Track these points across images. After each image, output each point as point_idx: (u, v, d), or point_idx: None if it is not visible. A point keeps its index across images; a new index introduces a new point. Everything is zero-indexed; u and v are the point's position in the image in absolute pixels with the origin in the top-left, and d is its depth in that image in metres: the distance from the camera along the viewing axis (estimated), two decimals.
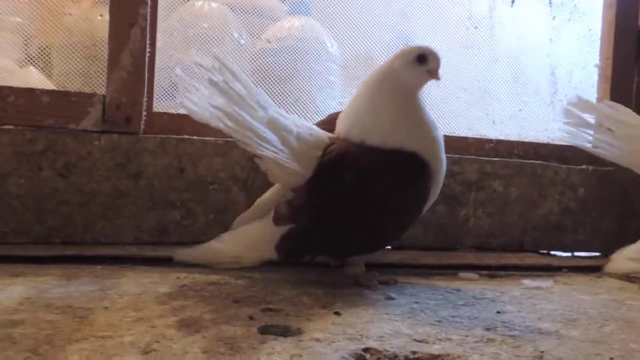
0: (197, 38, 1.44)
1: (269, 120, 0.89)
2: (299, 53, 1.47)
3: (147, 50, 1.16)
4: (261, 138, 0.87)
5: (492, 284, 1.07)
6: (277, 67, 1.44)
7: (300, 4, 1.57)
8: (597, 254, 1.40)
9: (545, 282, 1.08)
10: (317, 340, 0.66)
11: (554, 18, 1.48)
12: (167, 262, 1.03)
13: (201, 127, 1.21)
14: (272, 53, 1.46)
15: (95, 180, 1.11)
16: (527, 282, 1.08)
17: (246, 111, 0.87)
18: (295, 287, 0.92)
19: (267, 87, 1.39)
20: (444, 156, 0.98)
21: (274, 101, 1.38)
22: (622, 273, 1.20)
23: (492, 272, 1.17)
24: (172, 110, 1.27)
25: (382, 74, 0.97)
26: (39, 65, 1.33)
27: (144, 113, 1.16)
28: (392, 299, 0.90)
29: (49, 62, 1.33)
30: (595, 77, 1.48)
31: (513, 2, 1.45)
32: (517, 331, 0.74)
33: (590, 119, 1.21)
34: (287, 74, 1.44)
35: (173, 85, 1.36)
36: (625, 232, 1.40)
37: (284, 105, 1.39)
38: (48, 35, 1.34)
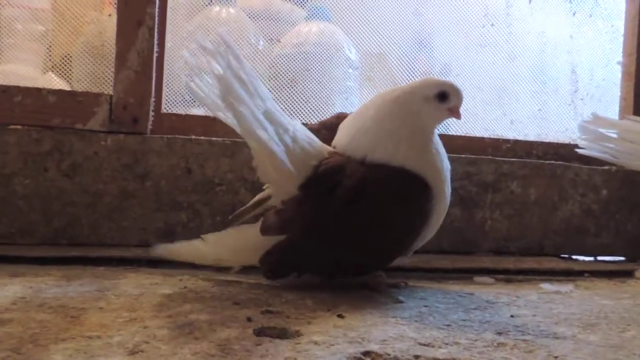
0: (215, 44, 1.42)
1: (266, 110, 0.84)
2: (316, 58, 1.45)
3: (156, 50, 1.15)
4: (260, 122, 0.83)
5: (508, 288, 1.02)
6: (295, 73, 1.42)
7: (319, 9, 1.55)
8: (621, 258, 1.34)
9: (564, 287, 1.03)
10: (315, 343, 0.63)
11: (574, 14, 1.43)
12: (172, 264, 1.01)
13: (210, 128, 1.21)
14: (290, 58, 1.44)
15: (101, 180, 1.09)
16: (546, 286, 1.03)
17: (247, 94, 0.82)
18: (301, 291, 0.89)
19: (284, 92, 1.37)
20: (448, 189, 0.93)
21: (291, 107, 1.40)
22: None
23: (510, 276, 1.12)
24: (181, 111, 1.26)
25: (397, 103, 0.91)
26: (60, 73, 1.34)
27: (152, 113, 1.15)
28: (401, 302, 0.86)
29: (70, 69, 1.33)
30: (619, 75, 1.42)
31: None
32: (530, 335, 0.70)
33: (608, 132, 1.19)
34: (305, 80, 1.42)
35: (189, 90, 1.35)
36: None
37: (302, 111, 1.37)
38: (70, 43, 1.35)
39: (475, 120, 1.38)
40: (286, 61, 1.43)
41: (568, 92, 1.44)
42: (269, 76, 1.45)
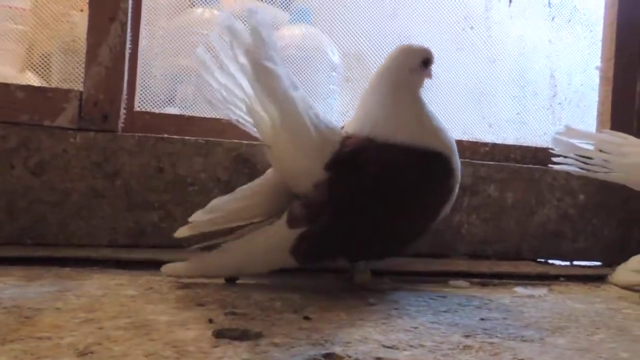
0: (197, 45, 1.41)
1: (293, 83, 0.86)
2: (299, 62, 1.44)
3: (129, 47, 1.13)
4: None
5: (482, 292, 1.01)
6: None
7: (302, 12, 1.54)
8: (597, 263, 1.34)
9: (538, 291, 1.02)
10: (275, 345, 0.61)
11: (553, 19, 1.43)
12: (142, 265, 0.99)
13: (185, 127, 1.19)
14: None
15: (70, 179, 1.07)
16: (519, 289, 1.03)
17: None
18: (272, 292, 0.87)
19: None
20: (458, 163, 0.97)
21: None
22: (625, 285, 1.13)
23: (485, 280, 1.11)
24: (155, 110, 1.23)
25: (394, 76, 0.94)
26: (39, 72, 1.31)
27: (124, 111, 1.13)
28: (372, 304, 0.84)
29: (49, 68, 1.31)
30: (597, 80, 1.42)
31: (510, 2, 1.40)
32: (497, 338, 0.68)
33: (582, 143, 1.19)
34: None
35: (173, 91, 1.34)
36: (627, 240, 1.34)
37: None
38: (49, 42, 1.32)
39: (454, 123, 1.36)
40: None
41: (547, 96, 1.44)
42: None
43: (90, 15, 1.09)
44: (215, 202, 0.94)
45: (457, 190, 0.96)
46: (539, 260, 1.31)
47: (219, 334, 0.63)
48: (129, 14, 1.11)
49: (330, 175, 0.87)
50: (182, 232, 0.93)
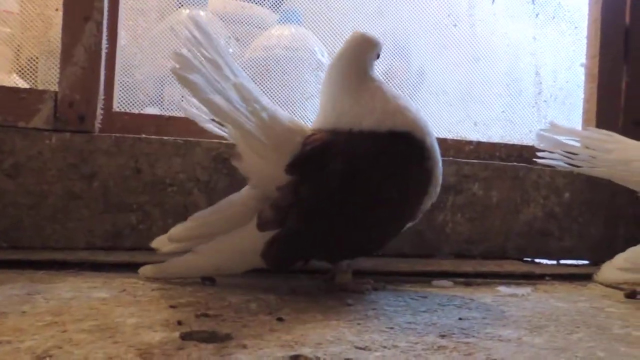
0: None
1: (236, 83, 0.83)
2: (288, 62, 1.43)
3: (105, 46, 1.11)
4: (224, 95, 0.81)
5: (465, 292, 0.99)
6: (266, 76, 1.39)
7: (291, 13, 1.53)
8: (585, 261, 1.33)
9: (522, 290, 1.01)
10: (244, 346, 0.59)
11: (537, 15, 1.42)
12: (120, 268, 0.97)
13: (164, 128, 1.17)
14: (261, 62, 1.41)
15: (45, 181, 1.05)
16: (503, 289, 1.01)
17: (214, 68, 0.82)
18: (248, 293, 0.85)
19: None
20: (433, 134, 0.92)
21: None
22: (611, 283, 1.12)
23: (469, 279, 1.10)
24: (134, 110, 1.22)
25: (354, 65, 0.91)
26: (25, 74, 1.29)
27: (101, 112, 1.11)
28: (349, 305, 0.83)
29: (36, 71, 1.29)
30: (582, 77, 1.41)
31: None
32: (474, 338, 0.67)
33: (567, 140, 1.18)
34: (276, 83, 1.39)
35: (160, 93, 1.32)
36: (613, 238, 1.33)
37: None
38: (36, 45, 1.31)
39: (438, 122, 1.35)
40: (257, 65, 1.41)
41: (532, 94, 1.43)
42: None
43: (65, 15, 1.07)
44: (195, 215, 0.93)
45: (438, 174, 0.91)
46: (525, 259, 1.30)
47: (186, 336, 0.61)
48: (105, 13, 1.10)
49: (293, 177, 0.85)
50: (159, 244, 0.93)
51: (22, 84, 1.30)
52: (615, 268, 1.14)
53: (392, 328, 0.70)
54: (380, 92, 0.90)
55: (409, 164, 0.87)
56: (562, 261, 1.31)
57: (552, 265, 1.28)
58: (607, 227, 1.33)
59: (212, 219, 0.92)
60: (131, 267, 0.96)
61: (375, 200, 0.86)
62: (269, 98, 1.35)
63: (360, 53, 0.91)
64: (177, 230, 0.92)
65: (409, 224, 0.93)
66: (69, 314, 0.68)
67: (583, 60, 1.41)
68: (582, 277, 1.17)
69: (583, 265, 1.30)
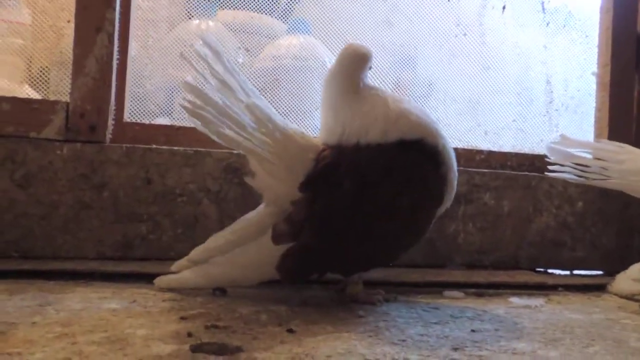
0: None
1: (248, 104, 0.82)
2: (297, 71, 1.43)
3: (117, 57, 1.12)
4: (230, 118, 0.81)
5: (477, 303, 0.98)
6: (275, 86, 1.40)
7: (300, 23, 1.54)
8: (599, 272, 1.31)
9: (535, 301, 1.00)
10: (254, 359, 0.59)
11: (547, 24, 1.41)
12: (130, 278, 0.97)
13: (174, 138, 1.17)
14: (270, 72, 1.42)
15: (56, 191, 1.05)
16: (515, 300, 1.00)
17: (224, 94, 0.82)
18: (259, 305, 0.85)
19: None
20: (446, 136, 0.89)
21: None
22: (626, 294, 1.10)
23: (481, 290, 1.09)
24: (145, 121, 1.22)
25: (348, 76, 0.89)
26: (37, 85, 1.31)
27: (112, 122, 1.11)
28: (361, 316, 0.82)
29: (47, 81, 1.30)
30: (593, 86, 1.40)
31: (504, 8, 1.38)
32: (487, 351, 0.66)
33: (578, 152, 1.16)
34: (285, 93, 1.40)
35: (170, 103, 1.33)
36: (627, 249, 1.31)
37: None
38: (48, 55, 1.32)
39: (449, 131, 1.34)
40: (266, 74, 1.41)
41: (543, 103, 1.42)
42: None
43: (76, 26, 1.08)
44: (214, 236, 0.93)
45: (453, 179, 0.88)
46: (537, 269, 1.28)
47: (196, 349, 0.60)
48: (116, 25, 1.10)
49: (307, 194, 0.85)
50: (179, 268, 0.92)
51: (33, 94, 1.31)
52: (630, 279, 1.12)
53: (404, 340, 0.69)
54: (380, 99, 0.88)
55: (422, 173, 0.86)
56: (575, 272, 1.30)
57: (565, 275, 1.27)
58: (620, 237, 1.31)
59: (231, 238, 0.91)
60: (141, 278, 0.96)
61: (388, 214, 0.85)
62: (278, 108, 1.37)
63: (357, 66, 0.89)
64: (197, 252, 0.92)
65: (424, 235, 0.92)
66: (79, 325, 0.68)
67: (594, 69, 1.40)
68: (595, 288, 1.16)
69: (596, 276, 1.29)
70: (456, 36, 1.37)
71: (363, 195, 0.84)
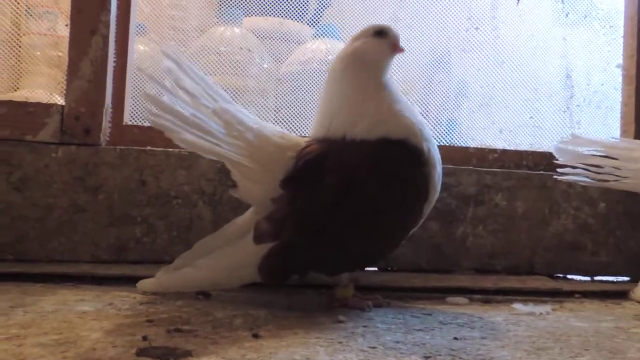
0: (219, 63, 1.42)
1: (215, 109, 0.80)
2: (324, 76, 1.41)
3: (113, 60, 1.11)
4: (193, 124, 0.78)
5: (478, 309, 0.92)
6: (301, 91, 1.40)
7: (327, 28, 1.52)
8: (625, 278, 1.21)
9: (541, 308, 0.92)
10: None
11: (567, 15, 1.33)
12: (123, 281, 0.95)
13: (173, 141, 1.16)
14: (297, 76, 1.42)
15: (52, 194, 1.05)
16: (519, 306, 0.93)
17: (190, 98, 0.81)
18: (238, 308, 0.82)
19: (291, 110, 1.35)
20: (432, 139, 0.87)
21: (297, 124, 1.36)
22: None
23: (488, 296, 1.02)
24: (144, 123, 1.21)
25: (346, 57, 0.88)
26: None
27: (109, 125, 1.11)
28: (340, 322, 0.78)
29: None
30: (619, 79, 1.31)
31: (518, 0, 1.31)
32: None
33: (588, 151, 1.09)
34: (312, 97, 1.38)
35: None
36: None
37: (308, 128, 1.32)
38: None
39: (460, 129, 1.29)
40: (293, 79, 1.41)
41: (563, 98, 1.34)
42: (276, 94, 1.44)
43: (72, 29, 1.08)
44: (200, 242, 0.91)
45: (437, 178, 0.86)
46: (556, 275, 1.20)
47: (141, 352, 0.58)
48: (112, 27, 1.10)
49: (287, 191, 0.82)
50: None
51: (61, 102, 1.33)
52: None
53: (374, 348, 0.65)
54: (379, 95, 0.86)
55: (406, 169, 0.83)
56: (597, 277, 1.21)
57: (585, 282, 1.18)
58: None
59: (216, 243, 0.89)
60: (134, 280, 0.94)
61: (371, 211, 0.82)
62: (305, 112, 1.35)
63: (355, 48, 0.88)
64: (182, 258, 0.90)
65: (409, 233, 0.88)
66: (37, 327, 0.66)
67: (619, 60, 1.31)
68: (617, 295, 1.07)
69: (620, 282, 1.19)
70: (467, 30, 1.31)
71: (347, 191, 0.81)
